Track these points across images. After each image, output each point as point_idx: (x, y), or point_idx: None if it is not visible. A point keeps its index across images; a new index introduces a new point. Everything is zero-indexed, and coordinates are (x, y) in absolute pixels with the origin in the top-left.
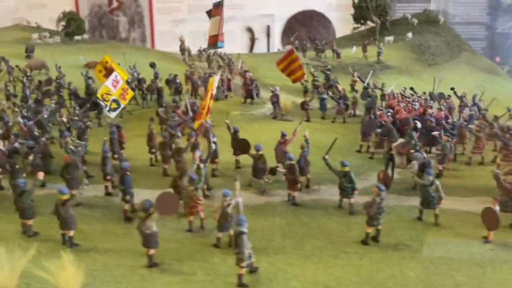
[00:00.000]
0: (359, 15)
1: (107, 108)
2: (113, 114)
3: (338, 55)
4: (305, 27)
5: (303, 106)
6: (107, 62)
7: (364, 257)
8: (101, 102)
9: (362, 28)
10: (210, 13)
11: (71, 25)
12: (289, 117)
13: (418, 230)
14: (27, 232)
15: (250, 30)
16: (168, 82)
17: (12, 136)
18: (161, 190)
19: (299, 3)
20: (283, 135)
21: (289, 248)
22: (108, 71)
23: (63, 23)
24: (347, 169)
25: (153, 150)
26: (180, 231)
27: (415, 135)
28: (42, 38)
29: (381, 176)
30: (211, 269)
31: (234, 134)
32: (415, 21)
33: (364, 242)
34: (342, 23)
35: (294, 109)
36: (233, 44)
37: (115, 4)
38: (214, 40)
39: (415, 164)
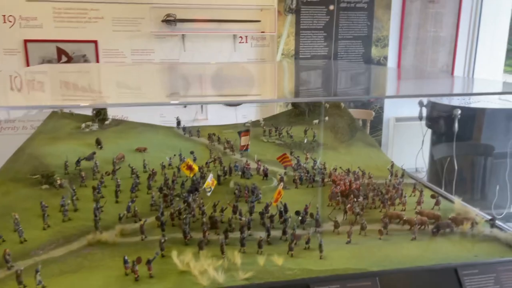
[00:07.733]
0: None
1: None
2: None
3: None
4: None
5: None
6: (188, 162)
7: None
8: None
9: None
10: (240, 133)
11: (101, 113)
12: None
13: None
14: None
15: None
16: None
17: None
18: None
19: None
20: None
21: None
22: (188, 167)
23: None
24: None
25: None
26: None
27: None
28: (87, 126)
29: None
30: None
31: None
32: (326, 106)
33: None
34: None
35: None
36: None
37: (64, 59)
38: (245, 148)
39: None
